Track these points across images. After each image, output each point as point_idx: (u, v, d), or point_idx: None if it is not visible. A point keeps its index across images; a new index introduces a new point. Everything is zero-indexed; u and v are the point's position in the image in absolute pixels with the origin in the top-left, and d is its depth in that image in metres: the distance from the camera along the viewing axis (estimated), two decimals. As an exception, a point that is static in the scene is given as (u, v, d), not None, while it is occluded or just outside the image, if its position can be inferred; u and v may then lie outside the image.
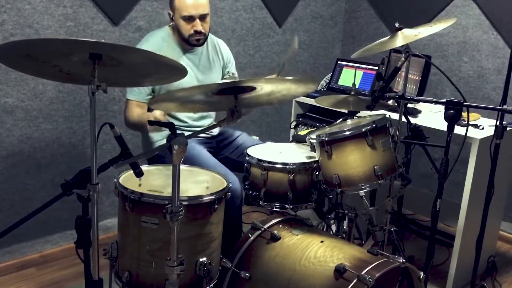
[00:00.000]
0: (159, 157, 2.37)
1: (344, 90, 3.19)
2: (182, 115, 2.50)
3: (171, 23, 2.44)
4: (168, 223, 1.56)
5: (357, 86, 3.14)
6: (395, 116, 2.28)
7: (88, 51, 1.48)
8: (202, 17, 2.35)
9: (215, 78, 2.58)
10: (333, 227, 2.38)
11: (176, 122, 2.45)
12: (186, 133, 1.60)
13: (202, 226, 1.79)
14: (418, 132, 2.44)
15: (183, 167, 1.96)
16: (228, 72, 2.66)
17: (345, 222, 2.30)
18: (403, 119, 2.32)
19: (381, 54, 2.50)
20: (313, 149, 2.15)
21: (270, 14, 3.56)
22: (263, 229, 2.05)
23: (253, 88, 1.69)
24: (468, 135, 2.12)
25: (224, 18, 3.30)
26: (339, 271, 1.74)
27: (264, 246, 2.00)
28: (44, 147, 2.73)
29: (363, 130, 2.01)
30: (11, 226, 1.78)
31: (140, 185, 1.96)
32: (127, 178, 1.88)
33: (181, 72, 1.64)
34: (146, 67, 1.64)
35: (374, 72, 3.15)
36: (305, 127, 3.15)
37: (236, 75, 2.70)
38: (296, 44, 2.43)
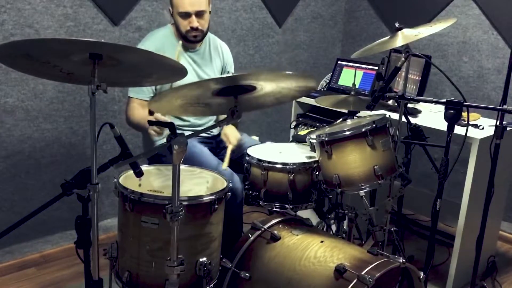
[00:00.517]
0: (159, 157, 2.37)
1: (344, 90, 3.19)
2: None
3: (172, 21, 2.44)
4: (168, 223, 1.56)
5: (357, 86, 3.14)
6: (395, 116, 2.28)
7: (88, 51, 1.48)
8: (199, 14, 2.36)
9: (215, 76, 2.59)
10: (333, 227, 2.38)
11: (177, 122, 2.45)
12: (186, 133, 1.60)
13: (202, 226, 1.79)
14: (418, 132, 2.44)
15: (183, 167, 1.96)
16: (228, 72, 2.67)
17: (345, 222, 2.30)
18: (403, 119, 2.32)
19: (381, 54, 2.50)
20: (313, 149, 2.15)
21: (270, 14, 3.56)
22: (263, 229, 2.05)
23: (253, 88, 1.69)
24: (468, 135, 2.12)
25: (224, 18, 3.30)
26: (339, 271, 1.74)
27: (264, 246, 2.00)
28: (44, 147, 2.73)
29: (363, 130, 2.01)
30: (11, 226, 1.78)
31: (140, 185, 1.96)
32: (127, 178, 1.88)
33: (181, 72, 1.64)
34: (146, 67, 1.64)
35: (374, 72, 3.15)
36: (305, 127, 3.15)
37: None
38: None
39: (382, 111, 2.28)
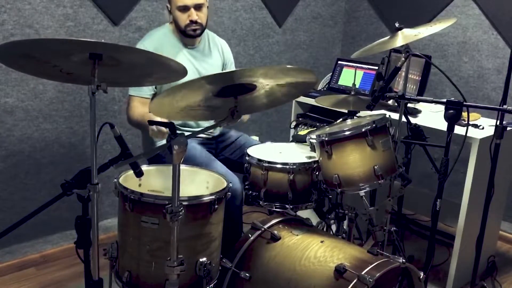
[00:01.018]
0: (159, 157, 2.37)
1: (344, 90, 3.19)
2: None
3: (171, 20, 2.45)
4: (168, 223, 1.56)
5: (357, 86, 3.14)
6: (395, 116, 2.28)
7: (88, 51, 1.48)
8: (197, 7, 2.36)
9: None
10: (333, 227, 2.38)
11: (176, 123, 2.45)
12: (186, 133, 1.60)
13: (202, 226, 1.79)
14: (418, 132, 2.44)
15: (183, 167, 1.96)
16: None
17: (345, 222, 2.30)
18: (403, 119, 2.32)
19: (381, 54, 2.50)
20: (313, 149, 2.15)
21: (270, 14, 3.56)
22: (263, 229, 2.05)
23: (254, 87, 1.69)
24: (468, 135, 2.12)
25: (224, 18, 3.30)
26: (339, 271, 1.74)
27: (264, 246, 2.00)
28: (44, 147, 2.73)
29: (363, 130, 2.01)
30: (11, 226, 1.78)
31: (140, 185, 1.96)
32: (127, 178, 1.88)
33: (181, 72, 1.63)
34: (146, 67, 1.64)
35: (374, 72, 3.15)
36: (305, 127, 3.15)
37: None
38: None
39: (382, 111, 2.28)
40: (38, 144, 2.70)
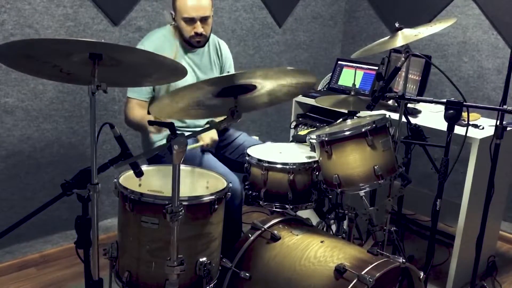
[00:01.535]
0: (159, 157, 2.37)
1: (344, 90, 3.19)
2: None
3: (173, 23, 2.44)
4: (168, 223, 1.56)
5: (357, 86, 3.14)
6: (395, 116, 2.28)
7: (88, 51, 1.48)
8: (203, 19, 2.35)
9: (214, 76, 2.58)
10: (333, 227, 2.38)
11: (176, 123, 2.45)
12: (186, 133, 1.60)
13: (202, 226, 1.79)
14: (418, 132, 2.44)
15: (183, 167, 1.96)
16: (228, 72, 2.67)
17: (345, 222, 2.30)
18: (403, 119, 2.32)
19: (381, 54, 2.50)
20: (313, 149, 2.15)
21: (270, 14, 3.56)
22: (263, 229, 2.05)
23: (253, 87, 1.69)
24: (468, 135, 2.12)
25: (224, 18, 3.30)
26: (339, 271, 1.74)
27: (264, 246, 2.00)
28: (44, 147, 2.73)
29: (363, 130, 2.01)
30: (11, 226, 1.78)
31: (140, 185, 1.96)
32: (127, 178, 1.88)
33: (181, 72, 1.64)
34: (146, 67, 1.64)
35: (374, 72, 3.15)
36: (305, 127, 3.15)
37: None
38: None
39: (382, 111, 2.28)
40: (38, 144, 2.70)
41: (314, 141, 2.11)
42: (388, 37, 2.24)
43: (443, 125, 2.07)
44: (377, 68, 3.13)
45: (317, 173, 2.17)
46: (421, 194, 3.34)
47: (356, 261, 1.81)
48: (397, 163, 2.13)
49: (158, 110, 1.83)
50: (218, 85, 1.64)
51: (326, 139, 2.04)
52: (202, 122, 2.57)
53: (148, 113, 2.39)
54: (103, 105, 2.88)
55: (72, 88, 2.75)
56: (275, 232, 2.01)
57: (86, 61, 1.50)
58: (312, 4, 3.78)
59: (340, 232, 2.31)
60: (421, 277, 1.86)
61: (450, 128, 2.00)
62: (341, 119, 2.44)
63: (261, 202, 2.19)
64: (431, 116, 2.80)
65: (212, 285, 1.86)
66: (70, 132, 2.80)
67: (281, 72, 1.79)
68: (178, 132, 1.55)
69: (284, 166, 2.14)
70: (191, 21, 2.34)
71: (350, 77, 3.17)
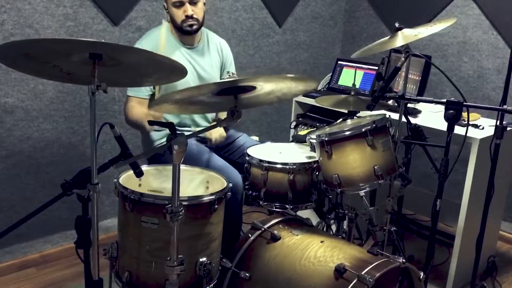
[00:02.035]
0: (159, 157, 2.37)
1: (344, 90, 3.19)
2: (184, 118, 2.50)
3: (168, 18, 2.45)
4: (168, 223, 1.56)
5: (357, 86, 3.14)
6: (395, 116, 2.28)
7: (88, 51, 1.48)
8: (193, 2, 2.37)
9: (214, 74, 2.58)
10: (333, 227, 2.38)
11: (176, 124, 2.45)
12: (186, 133, 1.60)
13: (202, 226, 1.79)
14: (418, 132, 2.44)
15: (183, 167, 1.96)
16: (228, 72, 2.67)
17: (345, 222, 2.30)
18: (403, 119, 2.32)
19: (381, 54, 2.50)
20: (313, 149, 2.15)
21: (270, 14, 3.56)
22: (263, 229, 2.05)
23: (253, 88, 1.69)
24: (468, 135, 2.12)
25: (224, 18, 3.30)
26: (339, 271, 1.74)
27: (264, 246, 2.00)
28: (44, 147, 2.73)
29: (363, 130, 2.01)
30: (11, 226, 1.78)
31: (140, 185, 1.96)
32: (127, 178, 1.88)
33: (181, 71, 1.64)
34: (146, 67, 1.64)
35: (374, 72, 3.15)
36: (305, 127, 3.15)
37: (236, 75, 2.70)
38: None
39: (382, 111, 2.28)
40: (38, 144, 2.70)
41: (314, 141, 2.11)
42: (388, 37, 2.24)
43: (443, 125, 2.07)
44: (377, 68, 3.13)
45: (317, 173, 2.17)
46: (421, 194, 3.34)
47: (356, 261, 1.81)
48: (397, 163, 2.13)
49: (158, 106, 1.84)
50: (218, 86, 1.64)
51: (326, 139, 2.04)
52: (205, 123, 2.58)
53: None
54: (103, 105, 2.88)
55: (72, 88, 2.75)
56: (275, 232, 2.01)
57: (86, 61, 1.50)
58: (312, 4, 3.78)
59: (340, 232, 2.31)
60: (421, 277, 1.86)
61: (450, 128, 1.99)
62: (341, 119, 2.44)
63: (261, 202, 2.19)
64: (431, 116, 2.80)
65: (212, 285, 1.86)
66: (70, 132, 2.80)
67: (282, 78, 1.80)
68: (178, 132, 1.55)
69: (284, 166, 2.14)
70: (180, 4, 2.36)
71: (350, 77, 3.17)
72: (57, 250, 2.86)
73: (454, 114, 1.96)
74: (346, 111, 2.44)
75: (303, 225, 2.13)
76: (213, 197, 1.78)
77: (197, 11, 2.39)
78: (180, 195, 1.58)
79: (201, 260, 1.78)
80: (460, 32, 3.32)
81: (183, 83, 1.91)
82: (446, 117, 1.98)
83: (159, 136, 2.49)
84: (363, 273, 1.71)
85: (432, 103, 2.14)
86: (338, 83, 3.34)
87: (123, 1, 2.85)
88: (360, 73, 3.19)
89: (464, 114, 2.02)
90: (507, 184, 2.83)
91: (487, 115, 2.79)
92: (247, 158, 2.23)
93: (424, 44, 3.49)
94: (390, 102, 2.40)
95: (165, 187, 1.97)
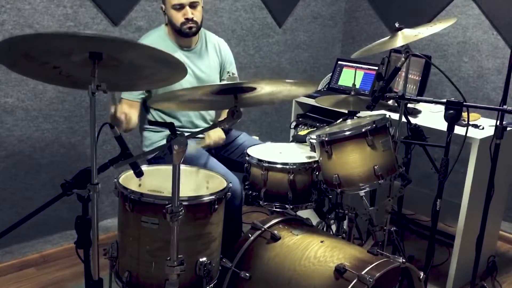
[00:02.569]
0: (158, 157, 2.37)
1: (344, 90, 3.19)
2: (182, 119, 2.50)
3: (166, 22, 2.45)
4: (168, 223, 1.56)
5: (357, 86, 3.14)
6: (395, 116, 2.28)
7: (87, 46, 1.46)
8: (192, 5, 2.37)
9: (213, 76, 2.58)
10: (333, 227, 2.38)
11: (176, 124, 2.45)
12: (186, 133, 1.60)
13: (202, 226, 1.79)
14: (418, 132, 2.44)
15: (183, 167, 1.96)
16: (228, 72, 2.66)
17: (345, 222, 2.30)
18: (403, 119, 2.32)
19: (381, 54, 2.50)
20: (313, 149, 2.15)
21: (270, 14, 3.56)
22: (263, 229, 2.05)
23: (253, 88, 1.69)
24: (468, 135, 2.12)
25: (224, 18, 3.30)
26: (339, 271, 1.74)
27: (264, 246, 2.00)
28: (44, 147, 2.73)
29: (363, 130, 2.01)
30: (11, 226, 1.78)
31: (140, 185, 1.96)
32: (127, 178, 1.88)
33: (181, 71, 1.63)
34: (146, 66, 1.63)
35: (374, 72, 3.15)
36: (305, 127, 3.15)
37: (236, 75, 2.70)
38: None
39: (382, 111, 2.28)
40: (38, 144, 2.70)
41: (314, 141, 2.11)
42: (388, 37, 2.25)
43: (443, 125, 2.07)
44: (377, 68, 3.13)
45: (317, 173, 2.17)
46: (421, 194, 3.34)
47: (356, 261, 1.81)
48: (397, 163, 2.13)
49: (157, 103, 1.83)
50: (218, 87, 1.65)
51: (326, 139, 2.04)
52: (205, 125, 2.57)
53: (147, 107, 2.44)
54: (103, 105, 2.87)
55: (72, 88, 2.75)
56: (275, 232, 2.01)
57: (86, 61, 1.49)
58: (312, 4, 3.78)
59: (340, 232, 2.31)
60: (421, 277, 1.86)
61: (450, 128, 1.99)
62: (341, 119, 2.44)
63: (261, 202, 2.19)
64: (431, 116, 2.80)
65: (212, 285, 1.86)
66: (70, 132, 2.80)
67: (283, 83, 1.81)
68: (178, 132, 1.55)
69: (284, 166, 2.14)
70: (180, 7, 2.35)
71: (350, 77, 3.17)
72: (57, 250, 2.86)
73: (454, 114, 1.96)
74: (346, 111, 2.44)
75: (303, 225, 2.13)
76: (213, 197, 1.78)
77: (197, 14, 2.39)
78: (180, 195, 1.58)
79: (201, 260, 1.78)
80: (460, 32, 3.32)
81: (181, 85, 1.90)
82: (446, 117, 1.98)
83: (159, 137, 2.49)
84: (363, 273, 1.71)
85: (432, 103, 2.14)
86: (338, 83, 3.34)
87: (123, 1, 2.85)
88: (360, 73, 3.19)
89: (464, 114, 2.02)
90: (507, 184, 2.83)
91: (487, 115, 2.79)
92: (247, 158, 2.22)
93: (424, 44, 3.49)
94: (390, 102, 2.40)
95: (165, 187, 1.97)
